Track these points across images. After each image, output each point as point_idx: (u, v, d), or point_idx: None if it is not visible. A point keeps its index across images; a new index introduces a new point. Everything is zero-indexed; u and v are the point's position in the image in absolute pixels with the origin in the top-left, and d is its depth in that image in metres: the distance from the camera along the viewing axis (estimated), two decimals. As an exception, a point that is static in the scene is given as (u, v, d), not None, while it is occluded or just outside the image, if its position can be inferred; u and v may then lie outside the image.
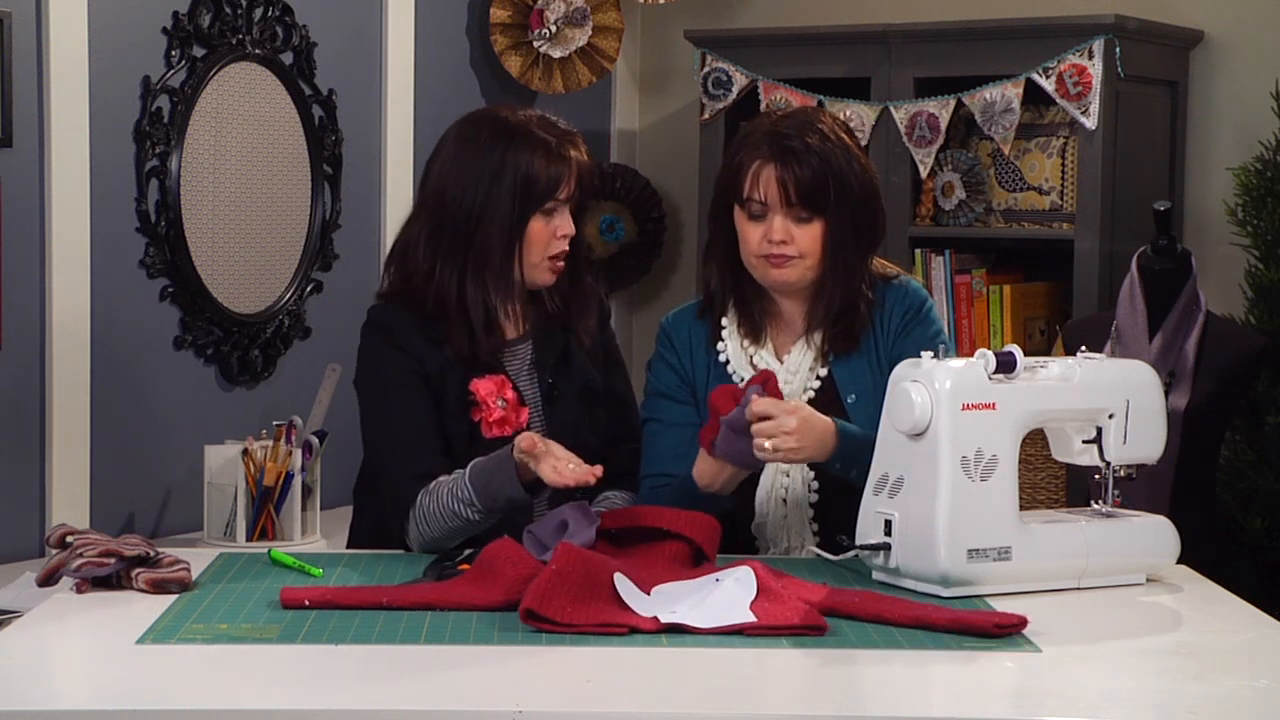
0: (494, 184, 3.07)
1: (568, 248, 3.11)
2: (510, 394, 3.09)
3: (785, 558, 3.03)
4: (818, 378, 3.10)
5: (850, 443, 2.93)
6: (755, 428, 2.88)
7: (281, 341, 4.48)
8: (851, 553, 2.80)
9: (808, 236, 3.04)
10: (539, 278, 3.12)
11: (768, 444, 2.87)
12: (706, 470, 2.97)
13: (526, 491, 2.92)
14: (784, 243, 3.03)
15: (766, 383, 2.93)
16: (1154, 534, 2.85)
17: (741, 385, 3.00)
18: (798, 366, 3.10)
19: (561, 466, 2.86)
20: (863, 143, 4.65)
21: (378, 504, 3.15)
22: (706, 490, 2.97)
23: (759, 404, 2.89)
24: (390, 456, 3.10)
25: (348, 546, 3.26)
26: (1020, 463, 2.80)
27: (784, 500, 3.08)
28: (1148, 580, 2.83)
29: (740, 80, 4.92)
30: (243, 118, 4.36)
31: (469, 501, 2.95)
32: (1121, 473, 2.87)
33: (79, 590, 2.66)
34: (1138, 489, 3.02)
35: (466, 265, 3.10)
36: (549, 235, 3.09)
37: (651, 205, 5.40)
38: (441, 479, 3.01)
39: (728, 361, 3.13)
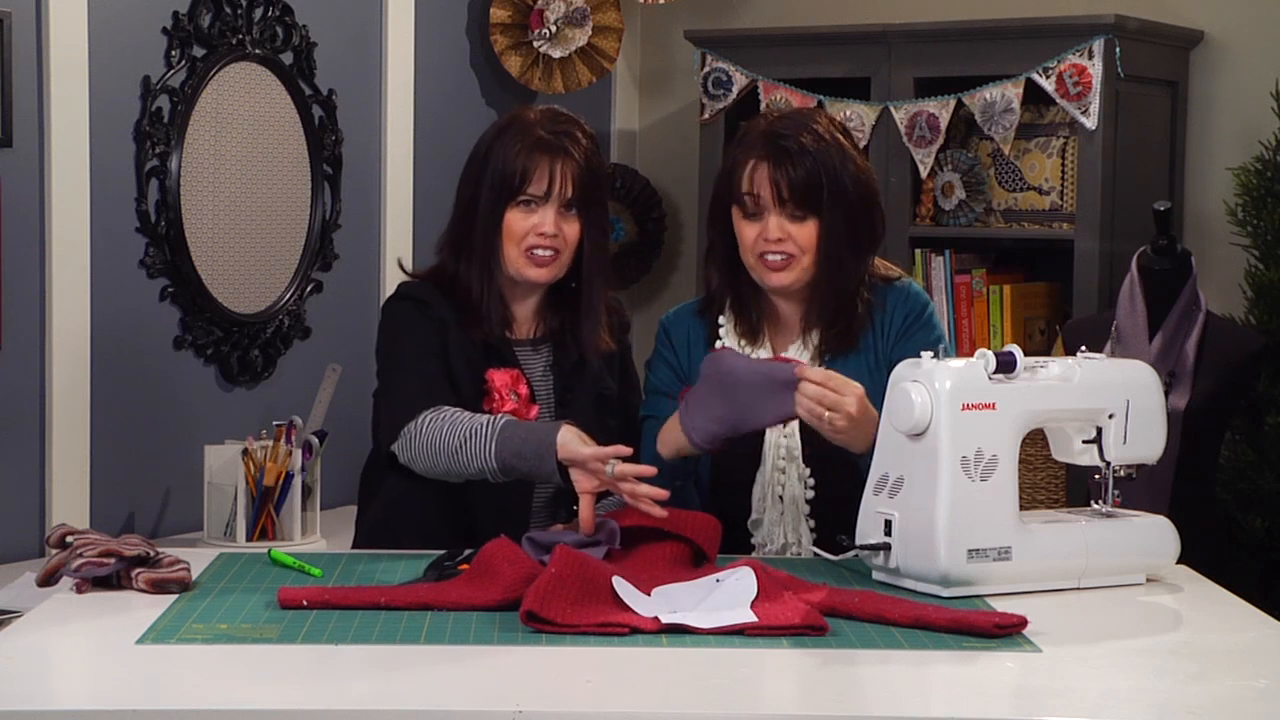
0: (479, 176, 3.14)
1: (549, 244, 3.12)
2: (524, 389, 3.11)
3: (785, 558, 3.04)
4: (815, 377, 3.10)
5: None
6: (816, 392, 2.87)
7: (281, 341, 4.48)
8: (851, 553, 2.81)
9: (803, 235, 3.05)
10: (521, 271, 3.13)
11: (825, 415, 2.87)
12: (664, 432, 3.00)
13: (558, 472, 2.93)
14: (780, 240, 3.03)
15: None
16: (1154, 534, 2.85)
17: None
18: (794, 366, 3.10)
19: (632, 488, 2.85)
20: (863, 143, 4.67)
21: (380, 493, 3.16)
22: (664, 453, 2.99)
23: (825, 376, 2.89)
24: (402, 379, 3.10)
25: (354, 543, 3.27)
26: (1020, 463, 2.80)
27: (780, 498, 3.08)
28: (1148, 580, 2.83)
29: (740, 80, 4.92)
30: (243, 118, 4.36)
31: (490, 442, 2.96)
32: (1121, 473, 2.87)
33: (79, 590, 2.66)
34: (1138, 489, 3.02)
35: (461, 252, 3.15)
36: (526, 229, 3.11)
37: (651, 205, 5.40)
38: (461, 411, 3.02)
39: (725, 360, 3.13)
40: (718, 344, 3.15)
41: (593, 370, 3.19)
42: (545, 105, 3.23)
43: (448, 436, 2.99)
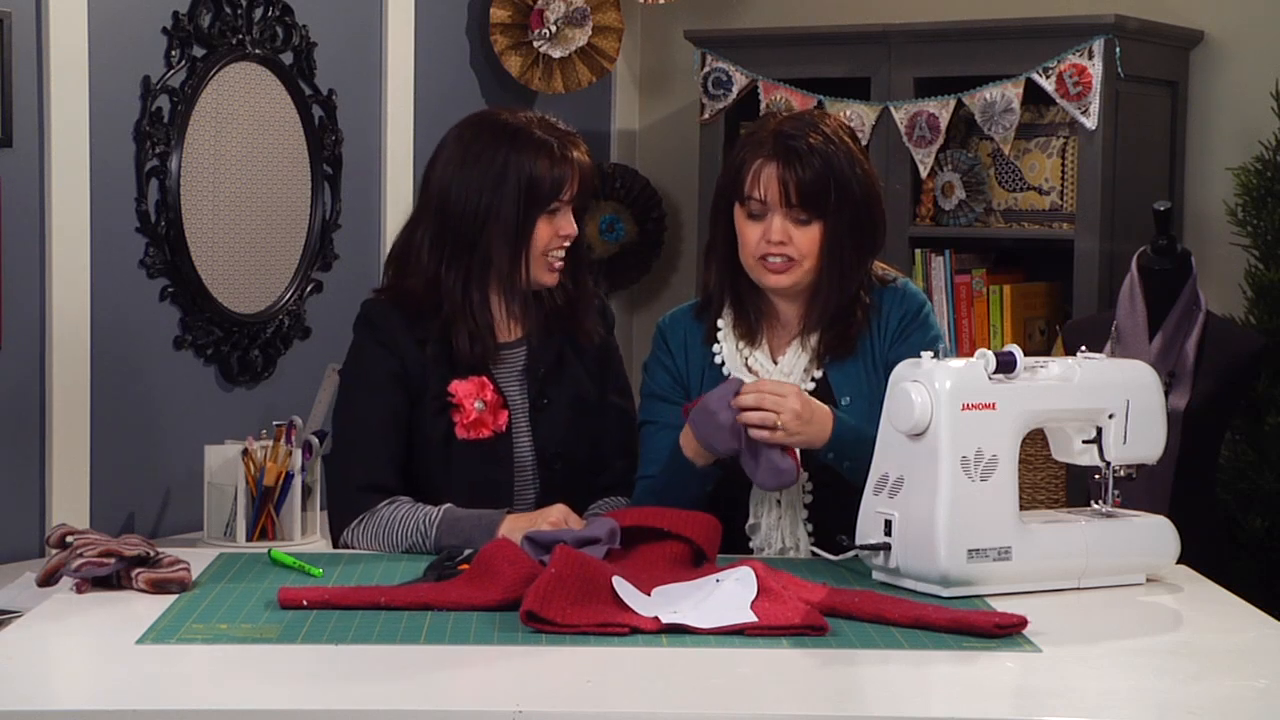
0: (499, 187, 3.07)
1: (568, 245, 3.12)
2: (490, 395, 3.10)
3: (784, 558, 3.03)
4: (813, 380, 3.09)
5: (846, 432, 2.94)
6: (757, 399, 2.88)
7: (281, 341, 4.48)
8: (851, 553, 2.80)
9: (806, 239, 3.04)
10: (543, 278, 3.12)
11: (779, 419, 2.87)
12: (684, 437, 2.99)
13: None
14: (782, 243, 3.03)
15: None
16: (1154, 534, 2.85)
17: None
18: (792, 368, 3.10)
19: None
20: (863, 143, 4.66)
21: None
22: (687, 455, 2.98)
23: (755, 385, 2.90)
24: (345, 458, 3.13)
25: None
26: (1020, 463, 2.80)
27: (778, 500, 3.07)
28: (1148, 580, 2.83)
29: (740, 80, 4.92)
30: (243, 118, 4.36)
31: (427, 536, 3.01)
32: (1121, 473, 2.86)
33: (79, 590, 2.66)
34: (1138, 489, 3.02)
35: (472, 268, 3.10)
36: (552, 235, 3.10)
37: (651, 205, 5.40)
38: (405, 508, 3.04)
39: (723, 363, 3.13)
40: (714, 345, 3.14)
41: (570, 372, 3.18)
42: (523, 111, 3.18)
43: (388, 544, 3.03)
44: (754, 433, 2.90)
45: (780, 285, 3.06)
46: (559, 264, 3.12)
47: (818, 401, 2.96)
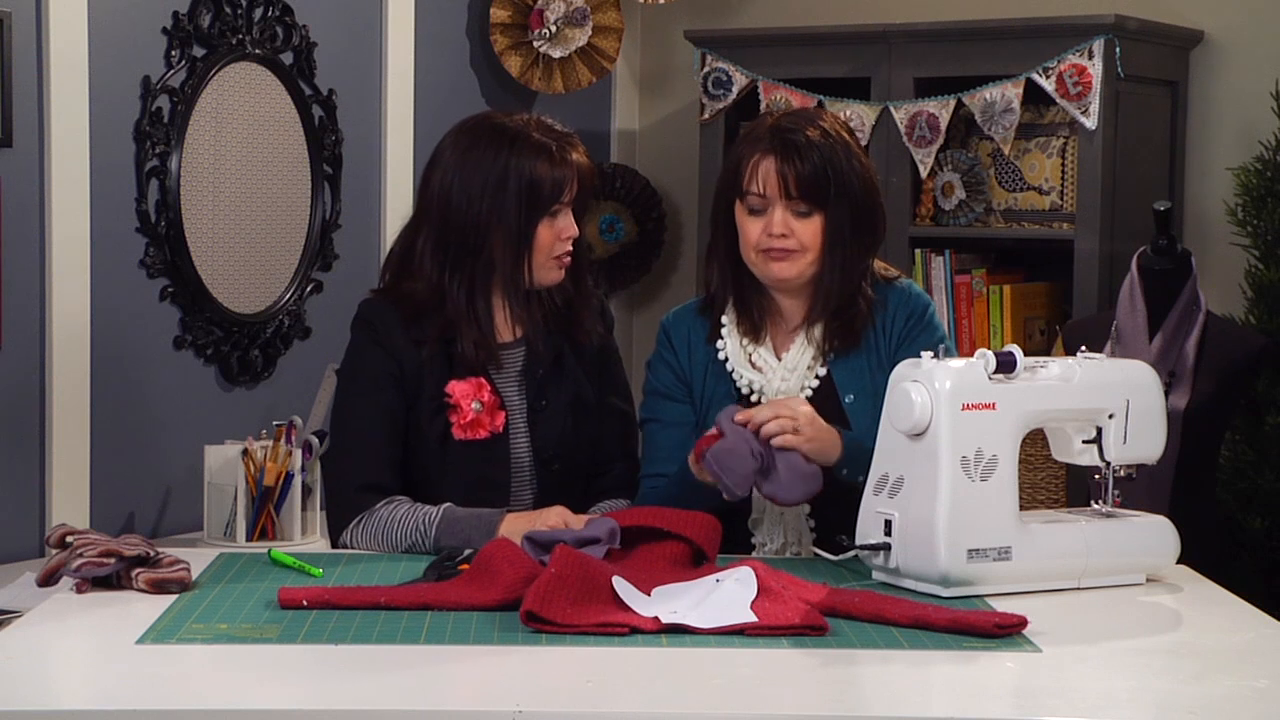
0: (499, 192, 3.07)
1: (571, 247, 3.12)
2: (488, 396, 3.09)
3: (785, 558, 3.04)
4: (816, 377, 3.10)
5: (853, 448, 2.93)
6: (773, 409, 2.89)
7: (281, 341, 4.48)
8: (851, 553, 2.80)
9: (807, 231, 3.04)
10: (548, 278, 3.12)
11: (796, 423, 2.88)
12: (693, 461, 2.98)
13: None
14: (784, 236, 3.03)
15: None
16: (1154, 534, 2.85)
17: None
18: (796, 364, 3.10)
19: None
20: (863, 143, 4.65)
21: None
22: (700, 479, 2.97)
23: (763, 405, 2.91)
24: (343, 459, 3.14)
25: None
26: (1020, 463, 2.80)
27: (780, 495, 3.08)
28: (1148, 580, 2.83)
29: (740, 80, 4.92)
30: (243, 118, 4.36)
31: (427, 536, 3.00)
32: (1121, 473, 2.87)
33: (79, 590, 2.66)
34: (1138, 489, 3.02)
35: (476, 274, 3.10)
36: (554, 238, 3.10)
37: (651, 205, 5.40)
38: (404, 507, 3.04)
39: (726, 359, 3.13)
40: (718, 342, 3.14)
41: (569, 373, 3.18)
42: (520, 114, 3.17)
43: (387, 544, 3.03)
44: (778, 439, 2.89)
45: (784, 275, 3.06)
46: (568, 260, 3.13)
47: (821, 420, 2.96)
